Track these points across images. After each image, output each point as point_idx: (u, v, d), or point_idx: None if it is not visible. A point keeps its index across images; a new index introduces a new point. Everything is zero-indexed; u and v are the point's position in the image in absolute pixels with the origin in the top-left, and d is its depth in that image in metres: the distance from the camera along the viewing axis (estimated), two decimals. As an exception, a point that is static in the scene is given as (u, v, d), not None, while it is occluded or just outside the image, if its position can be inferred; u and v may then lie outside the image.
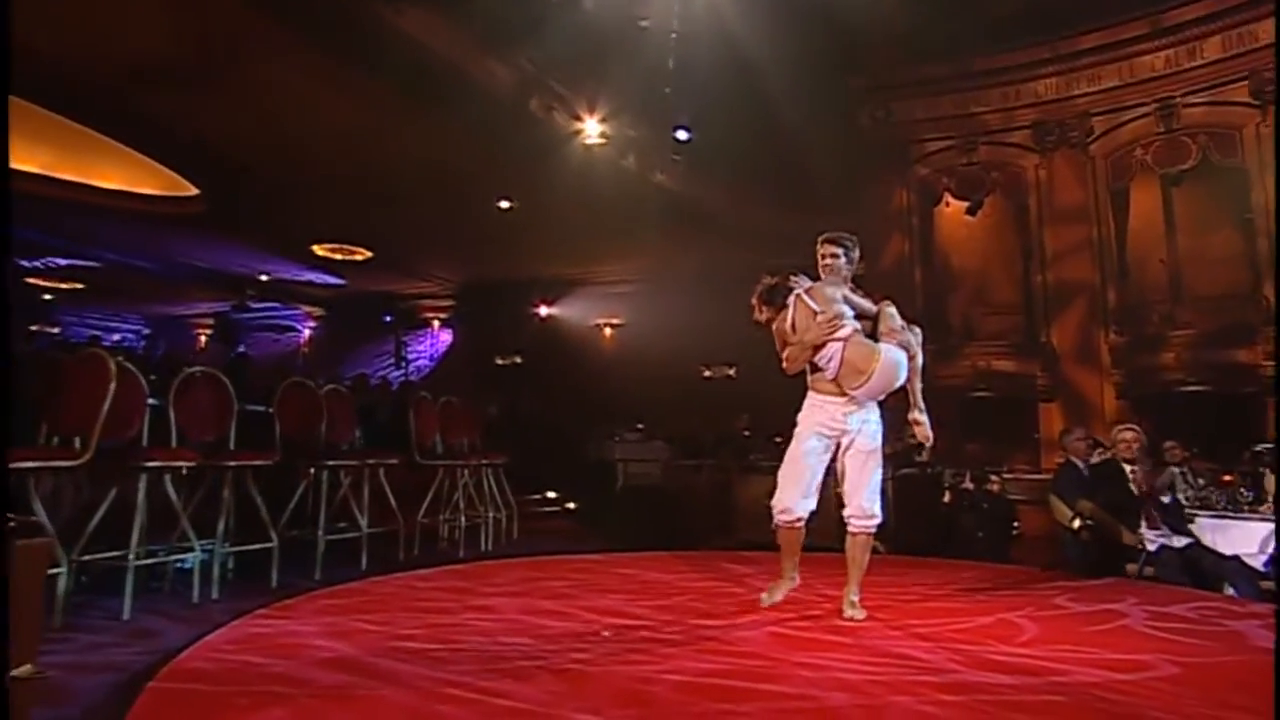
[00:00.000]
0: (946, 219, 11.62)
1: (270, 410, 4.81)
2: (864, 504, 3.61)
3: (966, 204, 11.20)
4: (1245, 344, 9.38)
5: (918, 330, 3.78)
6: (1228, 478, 6.69)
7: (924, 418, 3.74)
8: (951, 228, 11.59)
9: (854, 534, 3.68)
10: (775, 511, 3.70)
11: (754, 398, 12.01)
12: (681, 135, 9.29)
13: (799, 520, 3.71)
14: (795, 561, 3.79)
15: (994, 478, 7.88)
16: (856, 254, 3.83)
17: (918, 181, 11.57)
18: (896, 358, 3.57)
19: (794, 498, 3.63)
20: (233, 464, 4.27)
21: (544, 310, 16.17)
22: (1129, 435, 5.49)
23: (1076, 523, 5.84)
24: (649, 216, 11.05)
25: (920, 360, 3.70)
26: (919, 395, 3.75)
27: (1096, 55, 10.31)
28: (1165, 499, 5.31)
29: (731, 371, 14.02)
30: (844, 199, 11.17)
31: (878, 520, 3.65)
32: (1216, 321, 9.74)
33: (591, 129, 9.61)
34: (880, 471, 3.61)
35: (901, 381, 3.58)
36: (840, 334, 3.51)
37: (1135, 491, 5.31)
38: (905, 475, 8.84)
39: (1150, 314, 10.24)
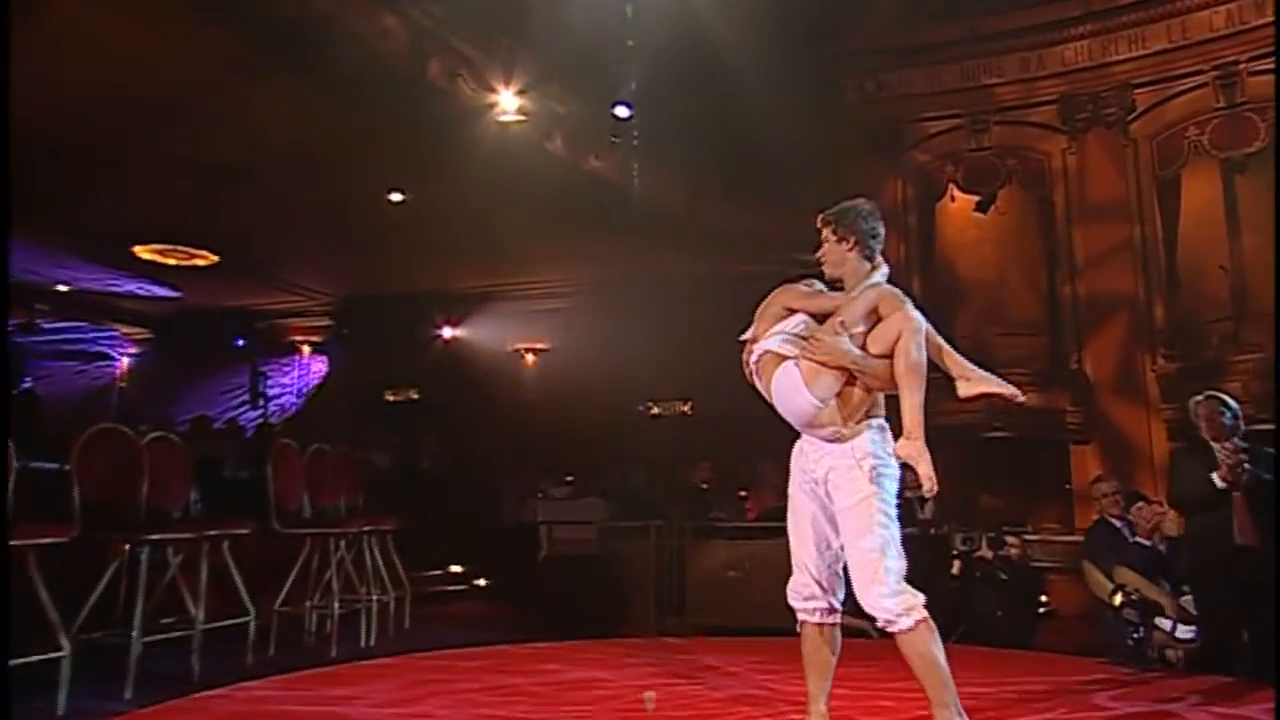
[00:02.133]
0: (951, 217, 11.83)
1: (67, 467, 4.60)
2: (874, 599, 3.21)
3: (976, 198, 11.43)
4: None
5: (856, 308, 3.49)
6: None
7: (917, 449, 3.36)
8: (958, 228, 11.81)
9: (898, 637, 3.25)
10: (789, 600, 3.52)
11: (716, 441, 11.95)
12: (622, 112, 9.44)
13: (818, 611, 3.43)
14: (824, 683, 3.43)
15: (1014, 540, 8.00)
16: (848, 233, 3.72)
17: (915, 171, 11.74)
18: (787, 377, 3.42)
19: (802, 578, 3.44)
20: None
21: (448, 332, 16.24)
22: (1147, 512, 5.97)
23: (1118, 597, 6.00)
24: (582, 213, 11.21)
25: (875, 359, 3.44)
26: (910, 414, 3.39)
27: (1139, 11, 10.57)
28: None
29: (687, 408, 14.20)
30: (825, 193, 11.46)
31: (909, 608, 3.21)
32: (1292, 343, 10.13)
33: (508, 102, 9.70)
34: (883, 531, 3.28)
35: (801, 407, 3.39)
36: (753, 352, 3.50)
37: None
38: (906, 538, 9.00)
39: (1208, 334, 10.39)
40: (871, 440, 3.36)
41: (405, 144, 9.75)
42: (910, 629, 3.17)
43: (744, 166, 10.77)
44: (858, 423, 3.36)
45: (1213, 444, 5.56)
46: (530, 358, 16.17)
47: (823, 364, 3.32)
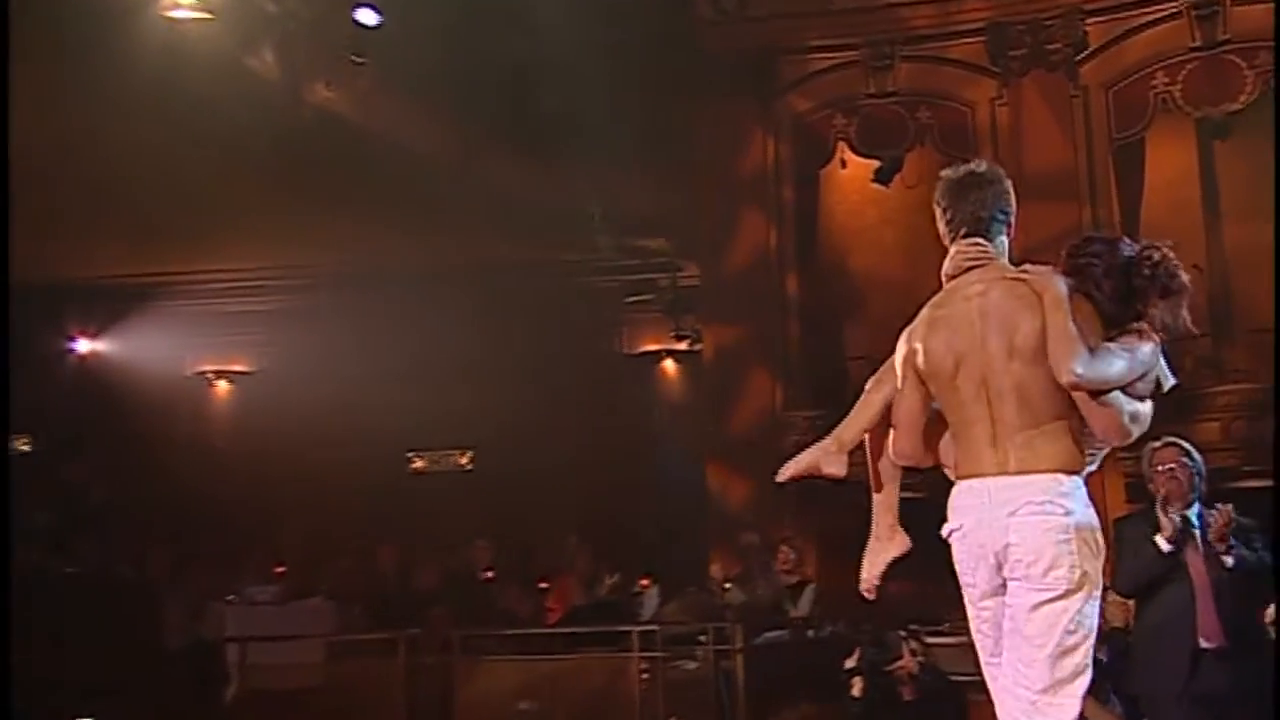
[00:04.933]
0: (841, 189, 11.88)
1: None
2: None
3: (875, 164, 11.50)
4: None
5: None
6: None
7: (883, 545, 4.00)
8: (850, 205, 11.86)
9: None
10: None
11: (506, 508, 11.92)
12: (368, 18, 9.44)
13: None
14: None
15: (925, 643, 8.13)
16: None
17: (792, 123, 11.75)
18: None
19: None
20: None
21: (85, 345, 15.61)
22: None
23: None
24: (304, 169, 11.03)
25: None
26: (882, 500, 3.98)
27: (1092, -85, 10.96)
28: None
29: (465, 460, 14.15)
30: (660, 152, 11.13)
31: None
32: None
33: (183, -9, 9.43)
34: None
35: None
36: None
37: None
38: (772, 646, 8.95)
39: (1180, 357, 10.92)
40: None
41: (17, 53, 8.84)
42: None
43: (546, 111, 10.75)
44: None
45: (1161, 510, 5.66)
46: (222, 385, 15.67)
47: None
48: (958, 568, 3.60)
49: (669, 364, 14.68)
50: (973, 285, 3.56)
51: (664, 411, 14.46)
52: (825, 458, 3.85)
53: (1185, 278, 3.44)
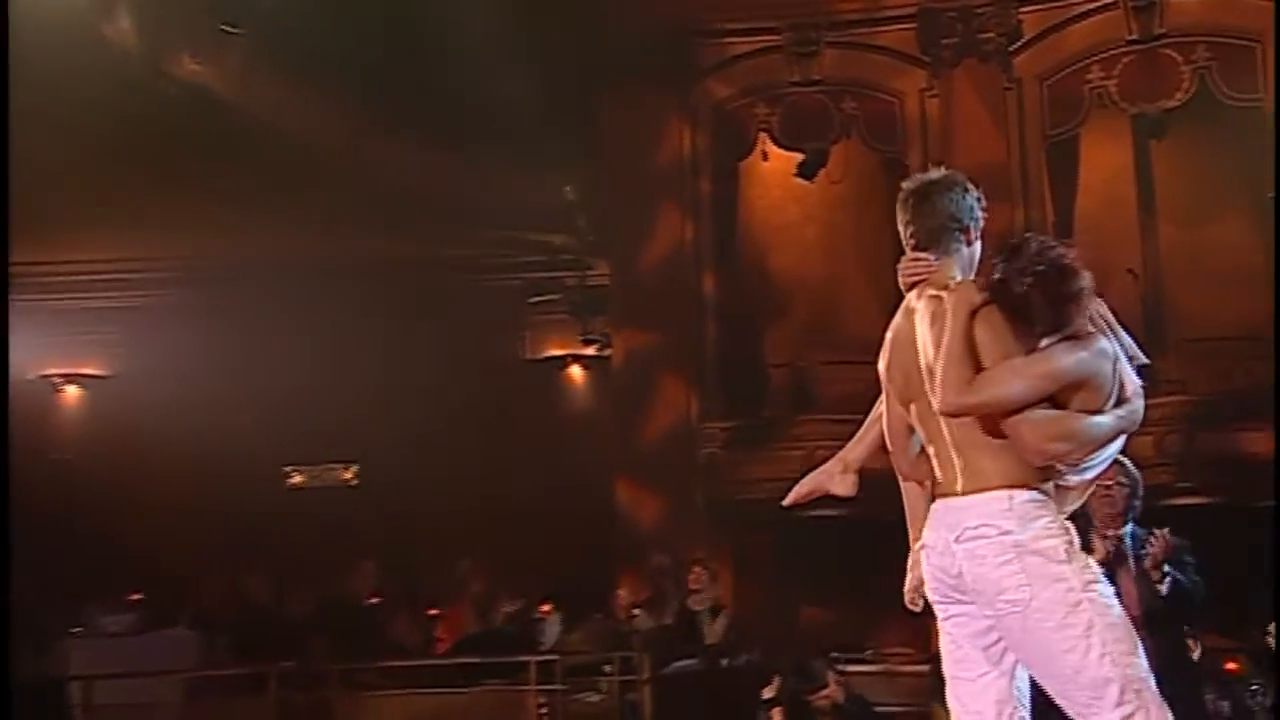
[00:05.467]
0: (763, 184, 11.88)
1: None
2: None
3: (799, 157, 11.48)
4: (1265, 422, 9.87)
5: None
6: (1231, 665, 7.24)
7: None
8: (772, 200, 11.86)
9: None
10: None
11: (393, 527, 11.80)
12: None
13: None
14: None
15: (844, 674, 8.18)
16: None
17: (710, 111, 11.75)
18: None
19: None
20: None
21: None
22: None
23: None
24: (167, 149, 10.89)
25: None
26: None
27: (1028, -101, 11.17)
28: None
29: (349, 475, 13.93)
30: (568, 140, 10.99)
31: None
32: (1224, 382, 10.31)
33: (26, -53, 8.65)
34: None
35: None
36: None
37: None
38: (682, 675, 8.90)
39: None
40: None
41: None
42: None
43: (443, 93, 10.70)
44: None
45: (1096, 533, 5.59)
46: (71, 391, 15.27)
47: None
48: (926, 583, 3.67)
49: (575, 370, 14.57)
50: (913, 301, 3.65)
51: (569, 422, 14.31)
52: (831, 479, 4.01)
53: (1079, 283, 3.44)
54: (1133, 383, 3.52)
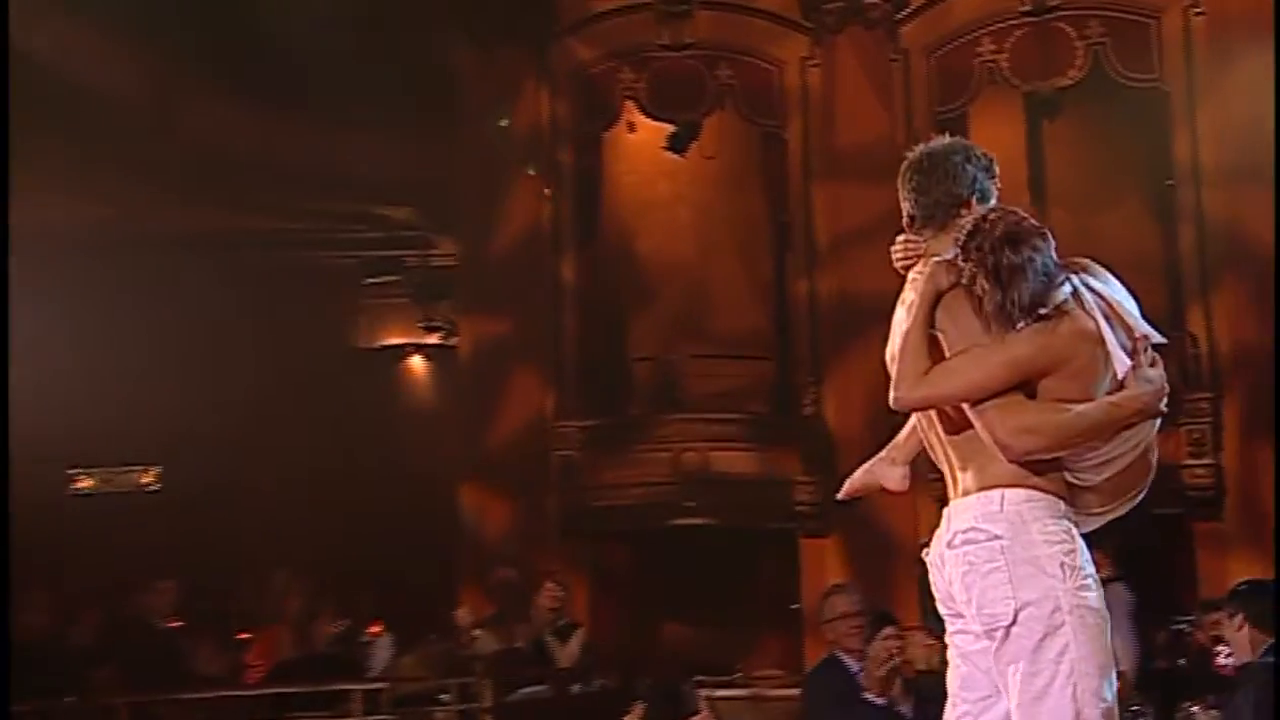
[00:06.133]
0: (629, 157, 11.82)
1: None
2: None
3: (669, 129, 11.41)
4: (1161, 428, 10.32)
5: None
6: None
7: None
8: (639, 176, 11.79)
9: None
10: None
11: (198, 538, 11.48)
12: None
13: None
14: None
15: (710, 699, 8.08)
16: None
17: (572, 73, 11.68)
18: None
19: None
20: None
21: None
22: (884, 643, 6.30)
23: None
24: None
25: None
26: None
27: None
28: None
29: (148, 478, 13.58)
30: (412, 102, 11.00)
31: None
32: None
33: None
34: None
35: None
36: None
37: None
38: (529, 703, 8.87)
39: None
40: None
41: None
42: None
43: (272, 49, 10.55)
44: None
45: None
46: None
47: None
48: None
49: (416, 361, 14.37)
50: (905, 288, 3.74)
51: (408, 419, 14.06)
52: (885, 471, 3.96)
53: (1020, 255, 3.37)
54: (1124, 365, 3.42)
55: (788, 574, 10.86)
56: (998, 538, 3.34)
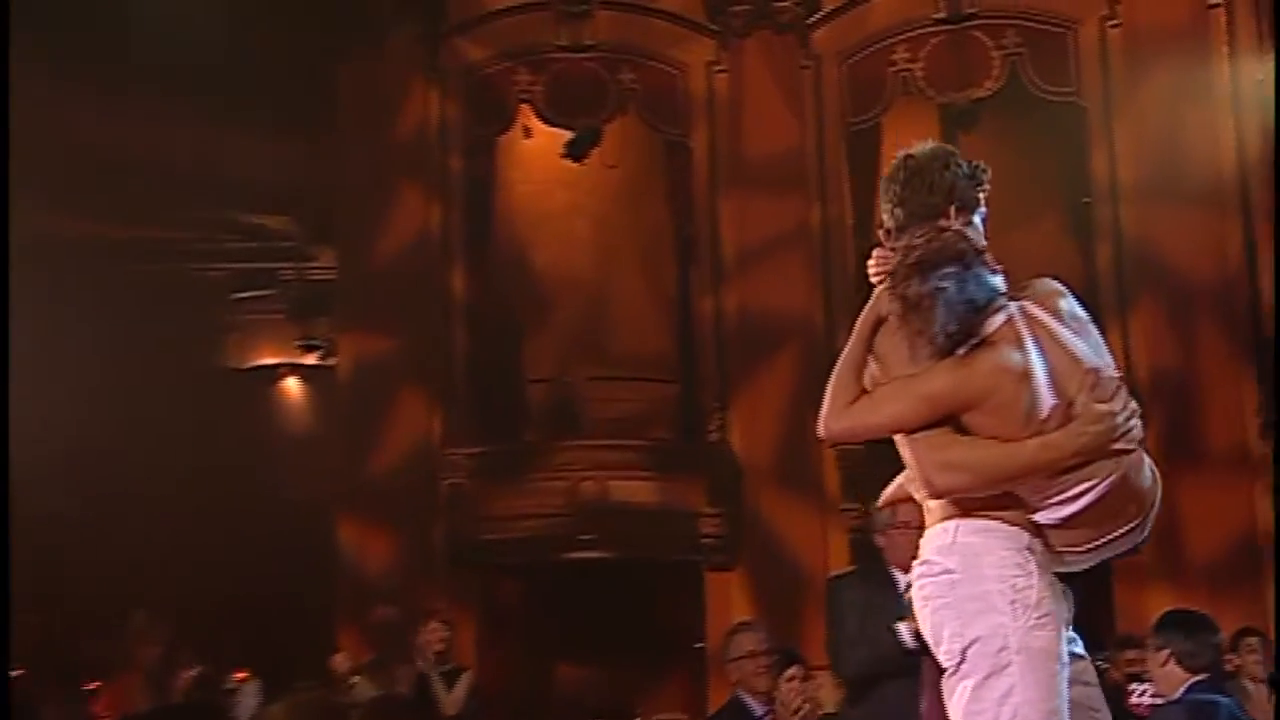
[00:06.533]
0: (524, 165, 11.89)
1: None
2: None
3: (567, 135, 11.44)
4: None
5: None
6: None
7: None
8: (535, 185, 11.86)
9: None
10: None
11: (44, 574, 10.72)
12: None
13: None
14: None
15: None
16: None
17: (463, 74, 11.69)
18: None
19: None
20: None
21: None
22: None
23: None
24: None
25: None
26: None
27: None
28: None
29: None
30: (289, 102, 10.96)
31: None
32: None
33: None
34: None
35: None
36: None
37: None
38: None
39: None
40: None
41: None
42: None
43: (135, 41, 10.51)
44: None
45: (901, 574, 5.61)
46: None
47: None
48: None
49: (292, 382, 14.14)
50: None
51: (282, 444, 13.79)
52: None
53: (924, 285, 3.34)
54: (1046, 405, 3.36)
55: (691, 610, 10.88)
56: (948, 571, 3.36)
